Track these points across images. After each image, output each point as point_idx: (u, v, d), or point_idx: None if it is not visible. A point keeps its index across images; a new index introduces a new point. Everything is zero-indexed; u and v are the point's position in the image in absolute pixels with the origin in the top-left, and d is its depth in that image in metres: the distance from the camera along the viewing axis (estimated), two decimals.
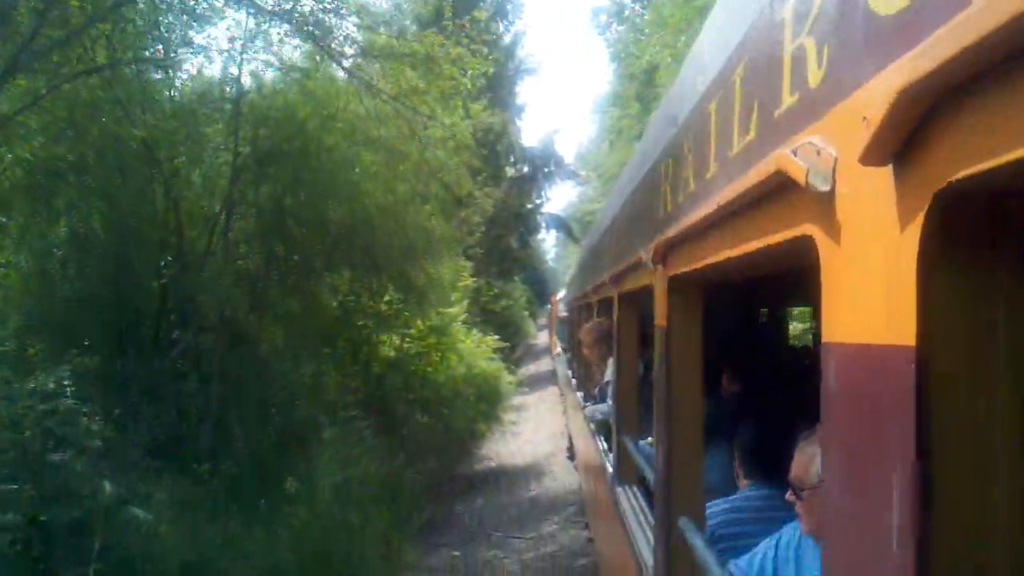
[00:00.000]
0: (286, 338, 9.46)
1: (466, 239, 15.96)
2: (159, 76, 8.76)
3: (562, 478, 11.18)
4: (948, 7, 0.70)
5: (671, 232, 2.12)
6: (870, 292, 0.91)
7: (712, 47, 1.85)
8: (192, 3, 8.14)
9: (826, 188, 1.00)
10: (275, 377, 8.75)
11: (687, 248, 2.07)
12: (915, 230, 0.79)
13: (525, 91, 53.01)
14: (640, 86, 27.32)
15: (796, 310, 10.18)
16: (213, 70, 11.31)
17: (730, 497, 2.63)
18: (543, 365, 28.92)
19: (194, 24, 8.50)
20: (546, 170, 28.27)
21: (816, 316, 8.10)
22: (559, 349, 18.83)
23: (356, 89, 9.16)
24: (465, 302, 15.88)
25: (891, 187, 0.85)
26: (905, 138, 0.81)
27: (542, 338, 41.64)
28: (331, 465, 7.75)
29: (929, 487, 0.80)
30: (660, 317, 2.47)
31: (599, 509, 5.76)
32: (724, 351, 4.03)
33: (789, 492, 1.92)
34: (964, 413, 0.81)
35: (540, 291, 39.20)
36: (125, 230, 7.81)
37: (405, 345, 12.45)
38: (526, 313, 37.35)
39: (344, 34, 9.07)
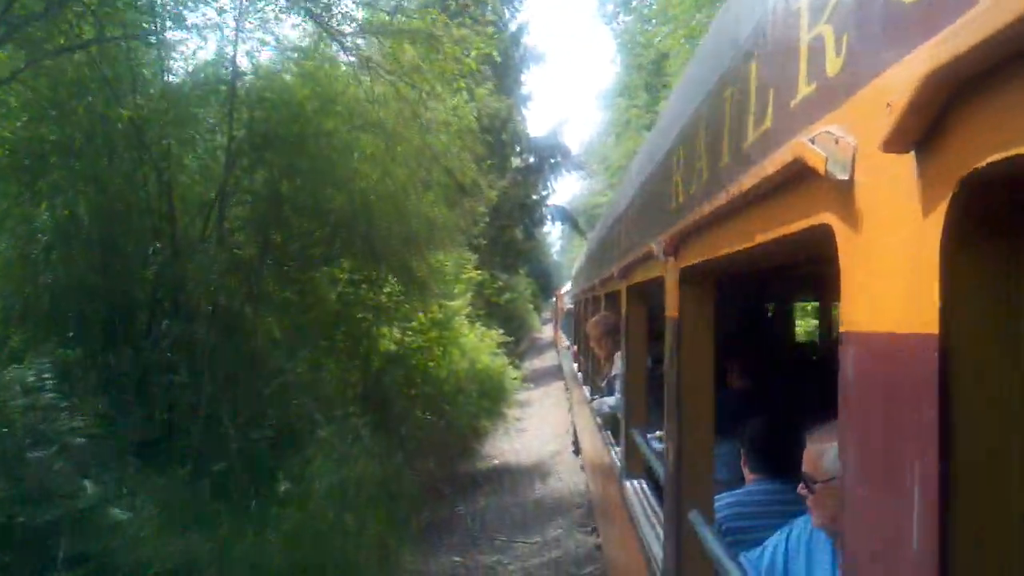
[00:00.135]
0: (282, 330, 9.15)
1: (470, 229, 15.56)
2: (150, 55, 8.39)
3: (568, 478, 10.83)
4: None
5: (684, 223, 2.13)
6: (892, 280, 0.91)
7: (725, 37, 1.85)
8: None
9: (845, 176, 0.99)
10: (270, 371, 8.42)
11: (700, 239, 2.08)
12: (938, 217, 0.79)
13: (531, 80, 52.82)
14: (648, 75, 27.02)
15: (798, 306, 10.04)
16: (207, 51, 10.96)
17: (736, 491, 2.67)
18: (548, 359, 28.64)
19: (188, 1, 8.16)
20: (552, 161, 27.84)
21: (823, 310, 8.01)
22: (565, 343, 18.53)
23: (355, 70, 8.81)
24: (469, 295, 15.53)
25: (913, 174, 0.85)
26: (928, 125, 0.80)
27: (547, 332, 41.51)
28: (326, 464, 7.41)
29: (951, 479, 0.79)
30: (671, 309, 2.48)
31: (607, 503, 5.75)
32: (731, 346, 4.00)
33: (801, 485, 1.93)
34: (988, 402, 0.80)
35: (545, 284, 39.16)
36: (113, 215, 7.51)
37: (406, 339, 12.04)
38: (531, 307, 37.25)
39: (343, 11, 8.68)
